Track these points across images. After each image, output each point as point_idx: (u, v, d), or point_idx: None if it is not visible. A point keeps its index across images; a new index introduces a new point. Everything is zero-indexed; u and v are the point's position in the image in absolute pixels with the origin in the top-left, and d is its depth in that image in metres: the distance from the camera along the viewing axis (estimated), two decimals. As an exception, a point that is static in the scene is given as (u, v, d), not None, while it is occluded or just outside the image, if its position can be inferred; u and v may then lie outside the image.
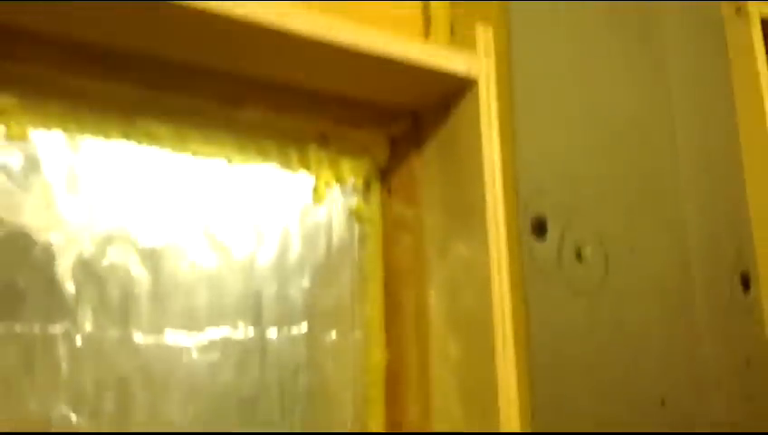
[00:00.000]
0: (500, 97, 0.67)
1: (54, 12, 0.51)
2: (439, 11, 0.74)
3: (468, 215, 0.65)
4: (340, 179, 0.72)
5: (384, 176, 0.74)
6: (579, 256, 0.68)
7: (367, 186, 0.74)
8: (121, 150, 0.60)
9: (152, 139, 0.61)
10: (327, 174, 0.71)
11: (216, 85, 0.63)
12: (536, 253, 0.65)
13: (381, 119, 0.72)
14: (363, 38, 0.58)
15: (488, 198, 0.64)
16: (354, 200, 0.73)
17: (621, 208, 0.70)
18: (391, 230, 0.73)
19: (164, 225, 0.62)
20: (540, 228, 0.66)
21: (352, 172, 0.73)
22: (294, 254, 0.68)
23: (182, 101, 0.62)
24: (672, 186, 0.75)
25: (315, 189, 0.70)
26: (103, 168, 0.60)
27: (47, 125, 0.57)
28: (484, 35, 0.67)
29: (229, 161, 0.65)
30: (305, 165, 0.70)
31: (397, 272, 0.71)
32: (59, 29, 0.53)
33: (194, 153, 0.63)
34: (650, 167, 0.73)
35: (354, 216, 0.73)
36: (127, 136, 0.60)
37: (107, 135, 0.59)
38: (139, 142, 0.61)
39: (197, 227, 0.63)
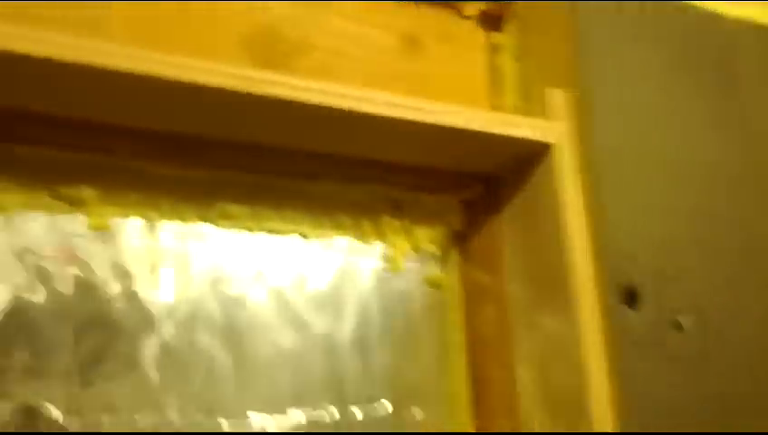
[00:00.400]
0: (580, 158, 0.66)
1: (133, 106, 0.52)
2: (508, 74, 0.74)
3: (553, 284, 0.64)
4: (415, 247, 0.71)
5: (461, 242, 0.73)
6: (676, 325, 0.65)
7: (444, 253, 0.73)
8: (199, 232, 0.61)
9: (229, 220, 0.62)
10: (402, 243, 0.70)
11: (287, 162, 0.63)
12: (629, 323, 0.63)
13: (455, 184, 0.72)
14: (433, 114, 0.58)
15: (574, 266, 0.63)
16: (431, 268, 0.72)
17: (720, 271, 0.68)
18: (472, 299, 0.71)
19: (242, 304, 0.62)
20: (631, 297, 0.64)
21: (428, 239, 0.72)
22: (374, 327, 0.68)
23: (255, 180, 0.63)
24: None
25: (391, 259, 0.70)
26: (181, 250, 0.60)
27: (127, 213, 0.57)
28: (557, 97, 0.66)
29: (305, 237, 0.65)
30: (380, 235, 0.70)
31: (481, 343, 0.70)
32: (136, 122, 0.54)
33: (270, 231, 0.64)
34: (747, 224, 0.71)
35: (432, 284, 0.72)
36: (204, 219, 0.61)
37: (184, 219, 0.60)
38: (216, 224, 0.61)
39: (276, 305, 0.63)
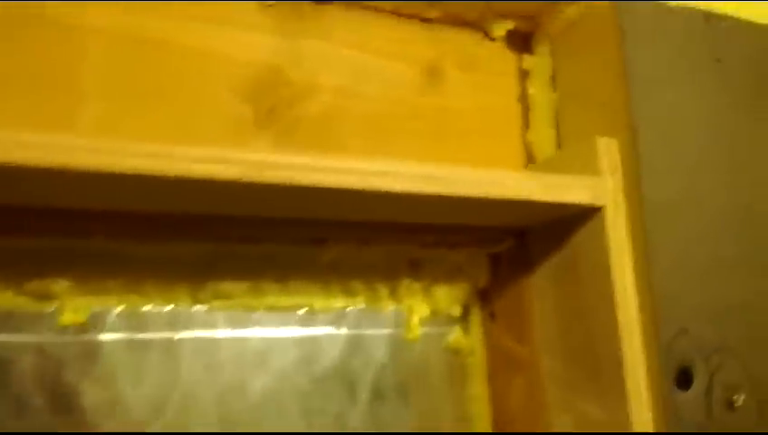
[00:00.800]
0: (628, 217, 0.58)
1: (107, 196, 0.44)
2: (542, 105, 0.66)
3: (596, 363, 0.57)
4: (435, 309, 0.64)
5: (486, 301, 0.66)
6: (730, 404, 0.59)
7: (465, 312, 0.66)
8: (189, 315, 0.54)
9: (224, 299, 0.54)
10: (420, 305, 0.63)
11: (290, 229, 0.55)
12: (681, 407, 0.57)
13: (482, 237, 0.64)
14: (462, 184, 0.50)
15: (622, 343, 0.56)
16: (452, 332, 0.65)
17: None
18: (498, 368, 0.65)
19: (242, 393, 0.55)
20: (686, 377, 0.57)
21: (449, 299, 0.65)
22: (389, 403, 0.61)
23: (253, 251, 0.55)
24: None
25: (408, 325, 0.63)
26: (170, 337, 0.53)
27: (106, 302, 0.50)
28: (607, 147, 0.58)
29: (311, 309, 0.58)
30: (396, 298, 0.62)
31: (507, 420, 0.63)
32: (111, 206, 0.46)
33: (271, 307, 0.56)
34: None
35: (453, 350, 0.65)
36: (196, 300, 0.53)
37: (174, 302, 0.53)
38: (211, 305, 0.54)
39: (280, 389, 0.57)
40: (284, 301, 0.57)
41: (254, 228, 0.54)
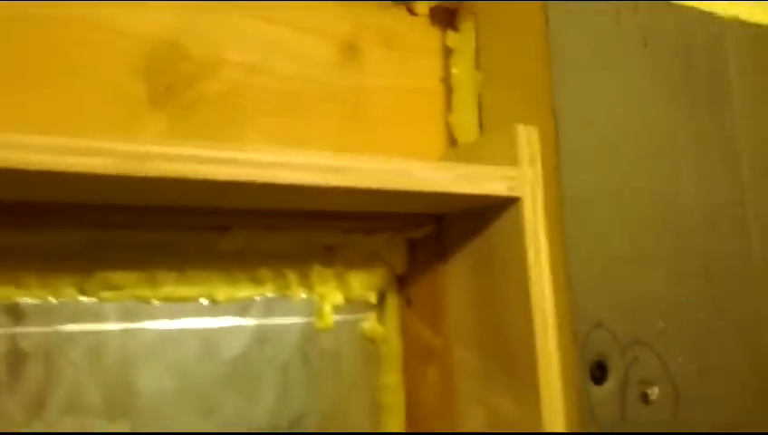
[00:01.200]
0: (546, 207, 0.57)
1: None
2: (465, 86, 0.64)
3: (511, 355, 0.57)
4: (349, 296, 0.62)
5: (403, 288, 0.65)
6: (645, 398, 0.59)
7: (382, 299, 0.65)
8: (76, 308, 0.51)
9: (114, 289, 0.52)
10: (333, 292, 0.62)
11: (189, 216, 0.53)
12: (595, 402, 0.57)
13: (400, 223, 0.63)
14: (375, 176, 0.48)
15: (538, 337, 0.55)
16: (367, 318, 0.64)
17: (690, 335, 0.61)
18: (413, 357, 0.64)
19: (133, 389, 0.53)
20: (601, 371, 0.57)
21: (363, 285, 0.63)
22: (299, 392, 0.60)
23: (147, 238, 0.52)
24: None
25: (320, 313, 0.61)
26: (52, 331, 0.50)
27: (-21, 296, 0.47)
28: (527, 136, 0.57)
29: (212, 299, 0.56)
30: (307, 286, 0.61)
31: (421, 410, 0.63)
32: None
33: (167, 298, 0.54)
34: (724, 276, 0.64)
35: (367, 338, 0.64)
36: (83, 292, 0.51)
37: (57, 294, 0.50)
38: (99, 297, 0.51)
39: (177, 387, 0.54)
40: (182, 291, 0.54)
41: (147, 215, 0.51)
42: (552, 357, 0.55)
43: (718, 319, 0.62)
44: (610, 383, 0.58)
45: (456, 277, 0.62)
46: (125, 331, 0.49)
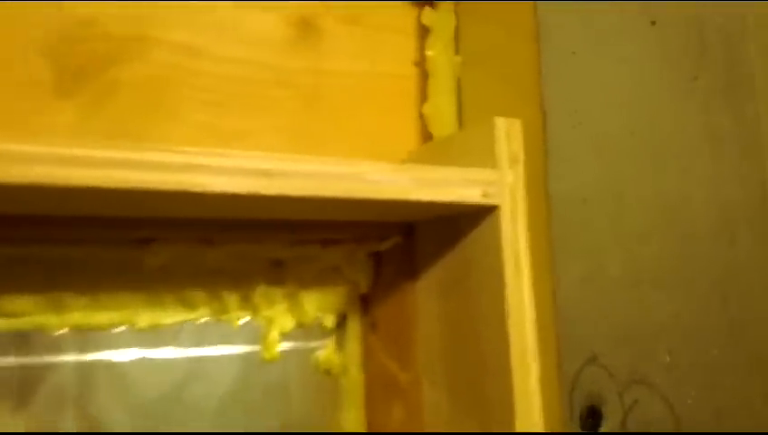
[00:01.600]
0: (530, 219, 0.50)
1: None
2: (442, 72, 0.56)
3: (485, 395, 0.49)
4: (301, 321, 0.55)
5: (366, 307, 0.57)
6: (644, 439, 0.52)
7: (341, 323, 0.57)
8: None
9: (10, 316, 0.44)
10: (282, 316, 0.54)
11: (105, 229, 0.45)
12: (587, 451, 0.49)
13: (361, 234, 0.55)
14: (312, 183, 0.40)
15: (516, 374, 0.48)
16: (323, 346, 0.56)
17: (702, 372, 0.54)
18: (375, 391, 0.56)
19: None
20: (594, 417, 0.50)
21: (319, 306, 0.56)
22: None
23: (51, 255, 0.45)
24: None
25: (265, 341, 0.53)
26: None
27: None
28: (508, 136, 0.49)
29: (133, 325, 0.48)
30: (250, 309, 0.53)
31: (385, 453, 0.55)
32: None
33: (76, 326, 0.46)
34: (743, 298, 0.56)
35: (323, 369, 0.56)
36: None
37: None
38: (-9, 326, 0.44)
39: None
40: (94, 318, 0.47)
41: (52, 226, 0.43)
42: (533, 398, 0.48)
43: (736, 351, 0.55)
44: (608, 427, 0.50)
45: (426, 298, 0.54)
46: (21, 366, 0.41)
